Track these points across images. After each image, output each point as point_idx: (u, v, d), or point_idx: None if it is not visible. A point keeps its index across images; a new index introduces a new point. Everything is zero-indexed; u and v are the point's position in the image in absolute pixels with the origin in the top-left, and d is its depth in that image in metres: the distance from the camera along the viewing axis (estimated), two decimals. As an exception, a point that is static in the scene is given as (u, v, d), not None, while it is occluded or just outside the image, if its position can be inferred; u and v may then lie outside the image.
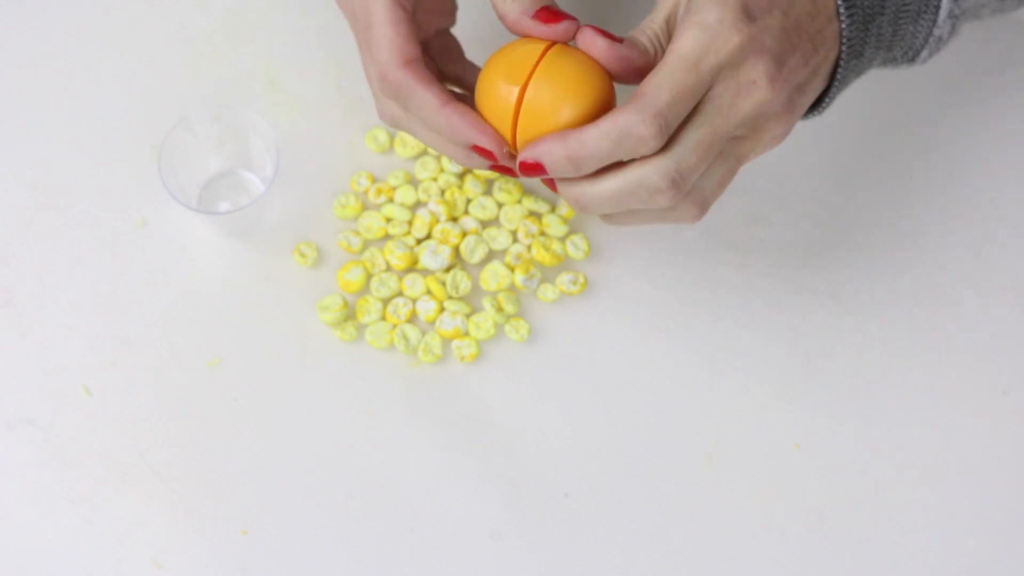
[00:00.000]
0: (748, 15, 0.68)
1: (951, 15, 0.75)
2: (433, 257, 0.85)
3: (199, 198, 0.87)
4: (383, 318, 0.85)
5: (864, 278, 0.87)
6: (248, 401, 0.84)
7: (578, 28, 0.70)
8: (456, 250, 0.86)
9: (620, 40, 0.70)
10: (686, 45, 0.67)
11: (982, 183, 0.90)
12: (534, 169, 0.69)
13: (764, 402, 0.85)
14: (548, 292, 0.85)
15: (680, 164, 0.68)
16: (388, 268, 0.86)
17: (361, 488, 0.82)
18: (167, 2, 0.91)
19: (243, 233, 0.87)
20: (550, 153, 0.68)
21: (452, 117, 0.69)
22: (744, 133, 0.70)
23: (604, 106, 0.69)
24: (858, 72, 0.75)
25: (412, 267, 0.86)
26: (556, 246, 0.86)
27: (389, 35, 0.70)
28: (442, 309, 0.85)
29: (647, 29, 0.71)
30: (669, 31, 0.70)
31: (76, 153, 0.88)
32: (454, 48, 0.79)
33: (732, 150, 0.70)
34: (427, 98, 0.70)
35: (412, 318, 0.86)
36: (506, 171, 0.71)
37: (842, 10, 0.71)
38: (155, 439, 0.83)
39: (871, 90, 0.91)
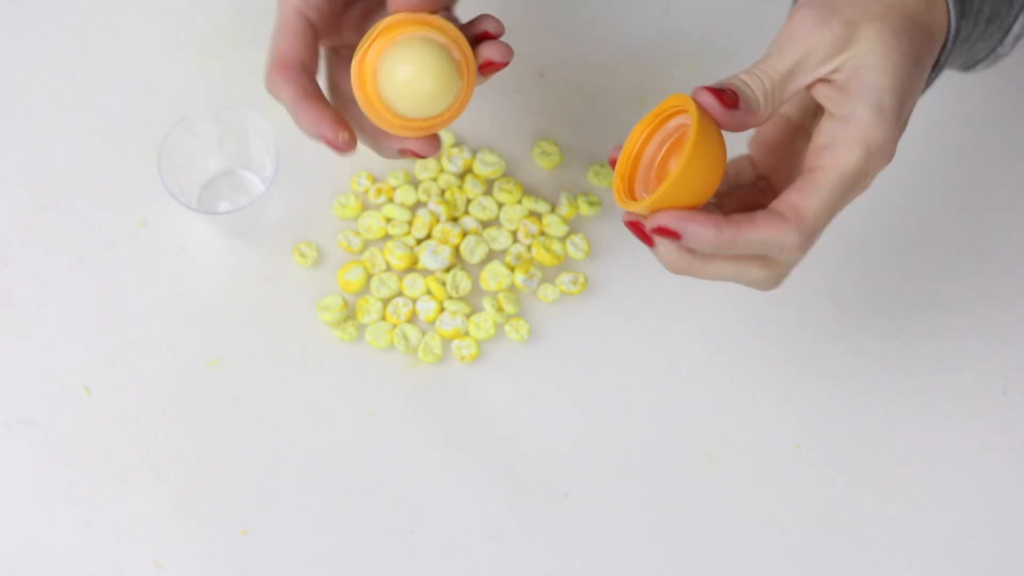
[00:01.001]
0: (904, 122, 0.68)
1: (1017, 37, 0.74)
2: (433, 257, 0.85)
3: (199, 198, 0.87)
4: (383, 318, 0.85)
5: (864, 278, 0.87)
6: (248, 401, 0.84)
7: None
8: (456, 250, 0.86)
9: (736, 99, 0.66)
10: (850, 165, 0.66)
11: (982, 183, 0.90)
12: (669, 234, 0.67)
13: (764, 402, 0.85)
14: (548, 292, 0.86)
15: (816, 222, 0.68)
16: (388, 268, 0.86)
17: (361, 488, 0.82)
18: (167, 2, 0.91)
19: (243, 233, 0.87)
20: (699, 234, 0.66)
21: (301, 110, 0.70)
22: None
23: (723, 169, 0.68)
24: (931, 83, 0.74)
25: (412, 267, 0.86)
26: (556, 246, 0.86)
27: (276, 40, 0.73)
28: (442, 309, 0.85)
29: (763, 79, 0.67)
30: (785, 88, 0.67)
31: (76, 153, 0.88)
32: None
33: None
34: (287, 93, 0.71)
35: (412, 318, 0.86)
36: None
37: (949, 46, 0.70)
38: (155, 439, 0.83)
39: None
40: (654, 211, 0.66)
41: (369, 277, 0.86)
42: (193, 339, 0.85)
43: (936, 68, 0.71)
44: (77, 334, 0.85)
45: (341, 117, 0.70)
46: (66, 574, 0.80)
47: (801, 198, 0.67)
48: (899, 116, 0.67)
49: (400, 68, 0.67)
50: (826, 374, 0.85)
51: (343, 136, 0.70)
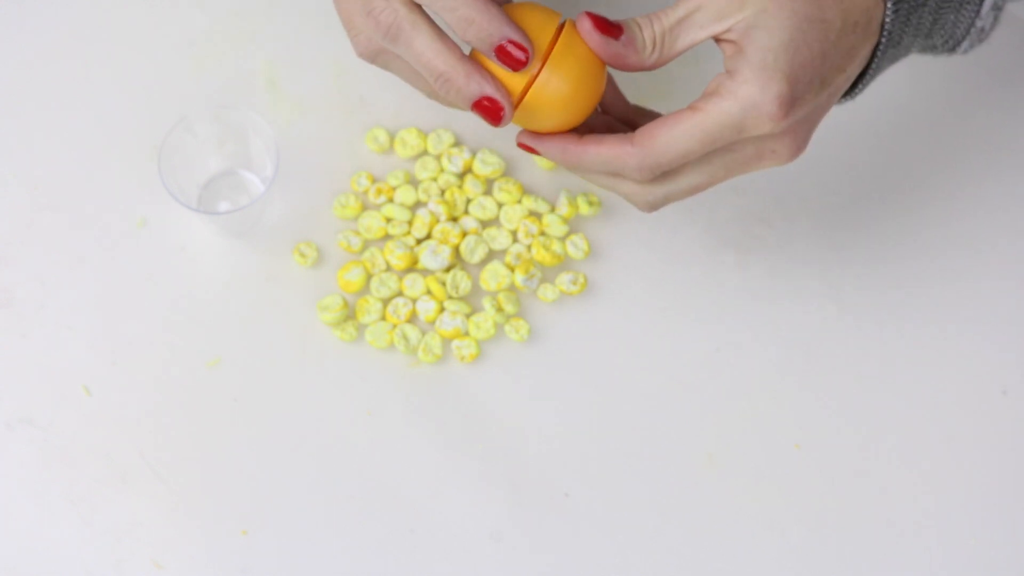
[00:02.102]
0: (791, 101, 0.67)
1: (995, 7, 0.73)
2: (433, 257, 0.85)
3: (199, 198, 0.87)
4: (383, 318, 0.85)
5: (863, 278, 0.87)
6: (248, 401, 0.84)
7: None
8: (456, 250, 0.86)
9: (619, 31, 0.69)
10: (714, 116, 0.67)
11: (982, 183, 0.90)
12: (529, 150, 0.72)
13: (764, 402, 0.85)
14: (548, 292, 0.85)
15: (668, 196, 0.71)
16: (388, 268, 0.86)
17: (361, 488, 0.82)
18: (167, 2, 0.91)
19: (243, 233, 0.87)
20: (549, 153, 0.71)
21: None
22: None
23: (599, 90, 0.71)
24: (894, 59, 0.74)
25: (412, 267, 0.86)
26: (556, 246, 0.86)
27: None
28: (442, 309, 0.85)
29: (654, 24, 0.69)
30: (676, 37, 0.69)
31: (76, 153, 0.88)
32: None
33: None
34: (423, 36, 0.67)
35: (412, 318, 0.86)
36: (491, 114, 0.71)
37: (889, 5, 0.70)
38: (155, 439, 0.83)
39: (869, 90, 0.91)
40: (526, 128, 0.72)
41: (369, 277, 0.86)
42: (193, 339, 0.85)
43: (885, 33, 0.70)
44: (77, 334, 0.85)
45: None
46: (66, 574, 0.80)
47: (658, 127, 0.68)
48: (788, 76, 0.66)
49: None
50: (826, 374, 0.85)
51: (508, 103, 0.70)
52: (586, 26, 0.68)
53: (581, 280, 0.86)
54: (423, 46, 0.68)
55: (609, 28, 0.68)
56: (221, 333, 0.85)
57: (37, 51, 0.90)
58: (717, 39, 0.68)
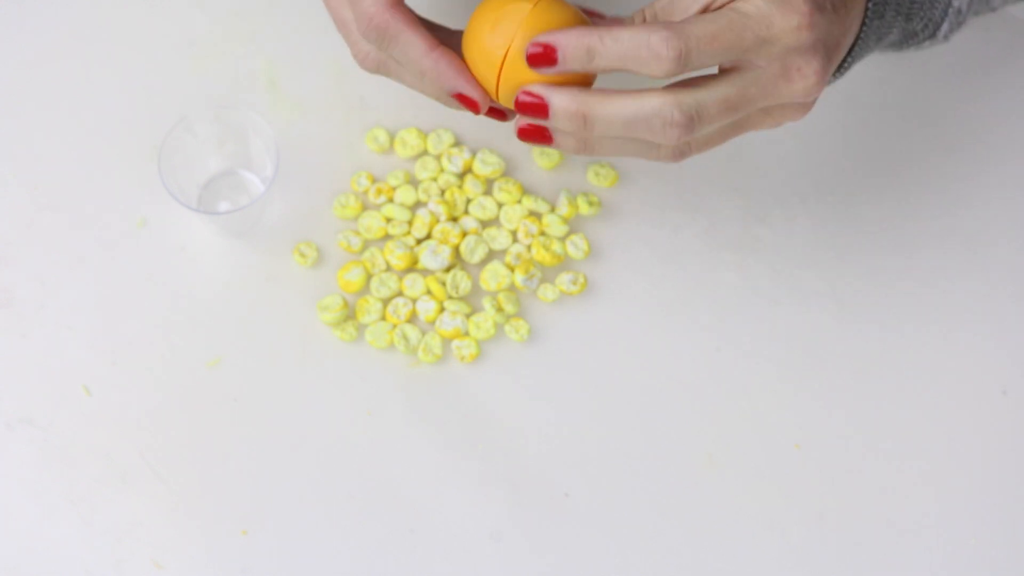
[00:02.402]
0: (820, 6, 0.66)
1: None
2: (433, 257, 0.85)
3: (199, 198, 0.87)
4: (383, 318, 0.85)
5: (864, 278, 0.87)
6: (248, 401, 0.84)
7: None
8: (456, 250, 0.86)
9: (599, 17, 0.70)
10: (748, 5, 0.65)
11: (981, 183, 0.90)
12: (532, 109, 0.68)
13: (764, 402, 0.85)
14: (548, 292, 0.86)
15: (701, 109, 0.66)
16: (388, 268, 0.86)
17: (361, 488, 0.82)
18: (167, 2, 0.91)
19: (243, 233, 0.87)
20: (566, 40, 0.66)
21: (440, 63, 0.69)
22: (768, 108, 0.69)
23: None
24: (879, 37, 0.73)
25: (412, 267, 0.86)
26: (556, 246, 0.86)
27: None
28: (442, 309, 0.85)
29: (645, 11, 0.69)
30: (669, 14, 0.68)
31: (76, 153, 0.88)
32: None
33: (746, 119, 0.69)
34: (413, 41, 0.69)
35: (412, 318, 0.86)
36: (498, 115, 0.72)
37: None
38: (155, 439, 0.83)
39: (869, 89, 0.91)
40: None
41: (369, 277, 0.86)
42: (193, 339, 0.85)
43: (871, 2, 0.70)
44: (77, 334, 0.85)
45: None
46: (66, 574, 0.80)
47: (682, 16, 0.66)
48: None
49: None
50: (826, 374, 0.85)
51: (481, 93, 0.69)
52: None
53: (581, 280, 0.86)
54: (407, 47, 0.69)
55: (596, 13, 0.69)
56: (221, 333, 0.85)
57: (37, 51, 0.90)
58: None
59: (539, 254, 0.86)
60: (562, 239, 0.87)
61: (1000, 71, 0.92)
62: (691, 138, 0.68)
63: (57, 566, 0.80)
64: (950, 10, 0.74)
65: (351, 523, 0.82)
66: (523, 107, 0.68)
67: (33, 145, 0.88)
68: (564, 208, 0.87)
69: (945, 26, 0.74)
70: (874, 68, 0.91)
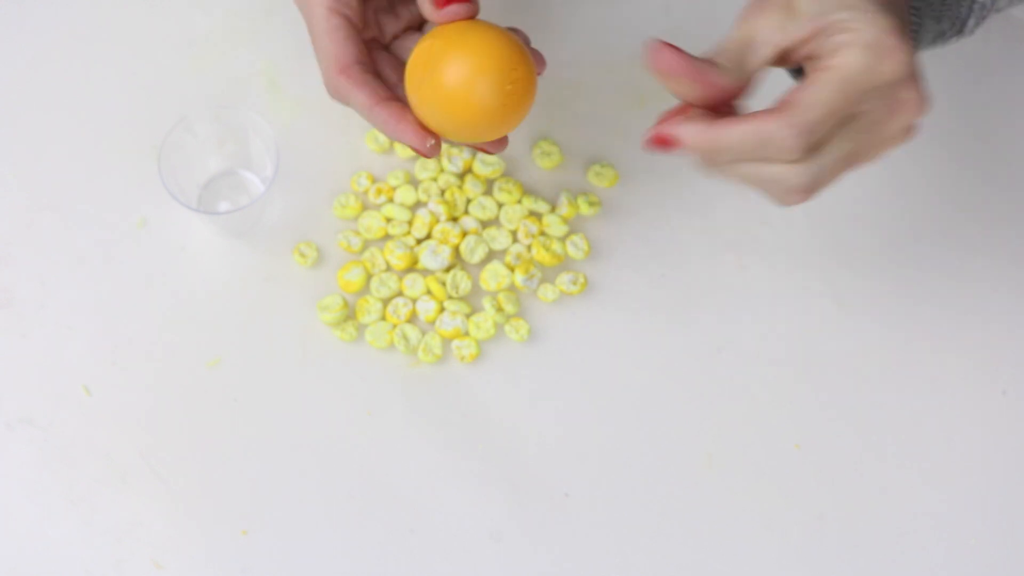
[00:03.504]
0: (902, 32, 0.66)
1: None
2: (433, 257, 0.85)
3: (199, 198, 0.87)
4: (383, 318, 0.85)
5: (863, 279, 0.88)
6: (248, 401, 0.84)
7: (474, 11, 0.72)
8: (456, 250, 0.86)
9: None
10: (849, 65, 0.65)
11: (981, 183, 0.90)
12: (665, 143, 0.68)
13: (764, 402, 0.85)
14: (548, 292, 0.86)
15: (819, 177, 0.67)
16: (388, 268, 0.86)
17: (361, 488, 0.82)
18: (167, 2, 0.91)
19: (243, 233, 0.87)
20: (690, 136, 0.67)
21: (380, 117, 0.73)
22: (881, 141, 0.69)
23: (523, 78, 0.71)
24: (917, 43, 0.74)
25: (412, 267, 0.86)
26: (556, 246, 0.86)
27: (325, 43, 0.74)
28: (442, 309, 0.85)
29: (724, 52, 0.68)
30: (749, 54, 0.68)
31: (77, 153, 0.88)
32: None
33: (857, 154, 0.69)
34: (360, 99, 0.73)
35: (412, 318, 0.86)
36: (479, 148, 0.75)
37: None
38: (155, 439, 0.83)
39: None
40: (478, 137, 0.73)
41: (369, 277, 0.86)
42: (193, 339, 0.85)
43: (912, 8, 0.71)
44: (77, 334, 0.85)
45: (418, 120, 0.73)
46: (66, 574, 0.80)
47: (795, 95, 0.65)
48: (885, 8, 0.65)
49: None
50: (826, 374, 0.86)
51: (430, 142, 0.72)
52: (662, 50, 0.67)
53: (581, 280, 0.86)
54: (356, 104, 0.74)
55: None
56: (221, 333, 0.85)
57: (38, 51, 0.90)
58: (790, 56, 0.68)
59: (539, 254, 0.86)
60: (562, 239, 0.87)
61: (1000, 71, 0.93)
62: (813, 166, 0.67)
63: (57, 566, 0.80)
64: (975, 5, 0.74)
65: (351, 523, 0.82)
66: (656, 143, 0.68)
67: (33, 145, 0.88)
68: (564, 208, 0.87)
69: (971, 21, 0.75)
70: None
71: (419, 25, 0.78)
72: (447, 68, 0.70)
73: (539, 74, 0.73)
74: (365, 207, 0.88)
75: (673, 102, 0.86)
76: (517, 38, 0.72)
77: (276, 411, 0.84)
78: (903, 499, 0.83)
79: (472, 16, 0.72)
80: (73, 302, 0.85)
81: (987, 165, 0.91)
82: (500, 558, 0.81)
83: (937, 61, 0.89)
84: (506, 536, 0.82)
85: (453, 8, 0.72)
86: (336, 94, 0.74)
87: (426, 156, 0.73)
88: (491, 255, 0.87)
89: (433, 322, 0.85)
